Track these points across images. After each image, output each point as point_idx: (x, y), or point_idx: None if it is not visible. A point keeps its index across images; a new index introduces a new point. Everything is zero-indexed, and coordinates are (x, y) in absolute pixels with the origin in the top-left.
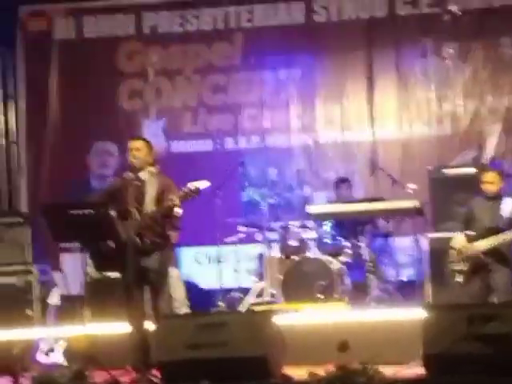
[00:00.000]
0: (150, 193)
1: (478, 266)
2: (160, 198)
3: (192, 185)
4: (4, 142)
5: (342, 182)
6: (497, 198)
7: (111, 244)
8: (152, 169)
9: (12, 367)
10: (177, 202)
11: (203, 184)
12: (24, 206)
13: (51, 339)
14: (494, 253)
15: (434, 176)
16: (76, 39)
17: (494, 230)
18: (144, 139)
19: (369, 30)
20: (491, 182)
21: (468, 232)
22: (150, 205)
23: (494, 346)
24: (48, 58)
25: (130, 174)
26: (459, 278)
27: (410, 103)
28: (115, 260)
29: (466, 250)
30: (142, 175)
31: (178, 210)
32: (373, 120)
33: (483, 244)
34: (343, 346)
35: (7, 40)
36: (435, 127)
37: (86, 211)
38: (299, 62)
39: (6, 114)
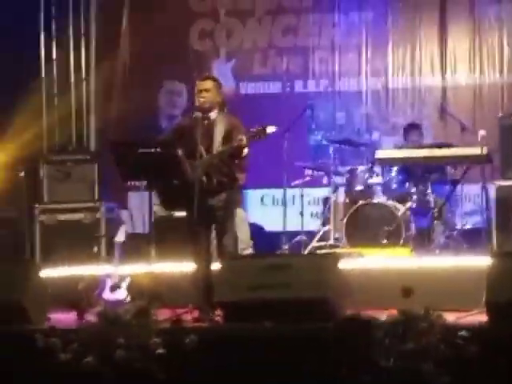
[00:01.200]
0: (219, 132)
1: None
2: (228, 138)
3: (261, 126)
4: (73, 78)
5: (413, 127)
6: None
7: (178, 183)
8: (220, 109)
9: (78, 303)
10: (244, 141)
11: (271, 128)
12: (93, 144)
13: (117, 276)
14: None
15: (503, 123)
16: None
17: None
18: (213, 79)
19: None
20: None
21: None
22: (218, 144)
23: None
24: None
25: (198, 114)
26: None
27: (483, 49)
28: (182, 198)
29: None
30: (211, 115)
31: (245, 150)
32: (444, 65)
33: None
34: (407, 292)
35: None
36: (507, 74)
37: (154, 150)
38: (371, 5)
39: (76, 50)
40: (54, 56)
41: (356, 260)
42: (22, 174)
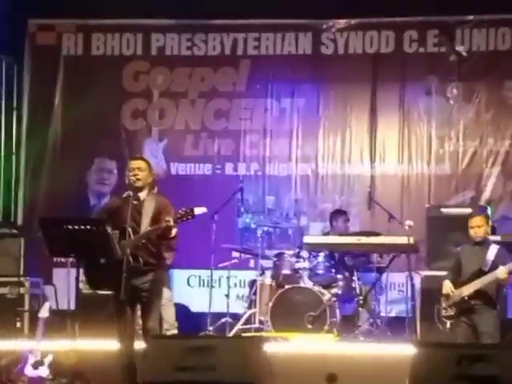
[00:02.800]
0: (147, 213)
1: (464, 310)
2: (157, 219)
3: (189, 208)
4: (3, 152)
5: (339, 214)
6: (484, 242)
7: (105, 261)
8: (150, 189)
9: None
10: (172, 223)
11: (199, 210)
12: (20, 218)
13: (39, 353)
14: (479, 295)
15: (431, 214)
16: (83, 56)
17: (479, 273)
18: (145, 159)
19: (375, 64)
20: (478, 225)
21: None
22: (146, 225)
23: None
24: (54, 72)
25: (128, 193)
26: (448, 324)
27: (411, 140)
28: (108, 278)
29: (452, 295)
30: (141, 195)
31: (173, 231)
32: (373, 154)
33: (468, 288)
34: (332, 378)
35: (15, 51)
36: (435, 166)
37: (83, 227)
38: (304, 91)
39: (7, 125)
40: None
41: (281, 344)
42: None
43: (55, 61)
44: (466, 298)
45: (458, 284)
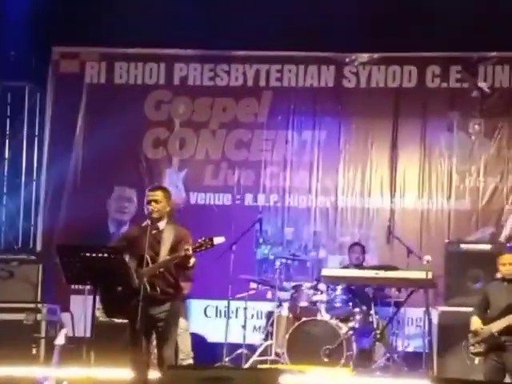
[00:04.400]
0: (166, 242)
1: (494, 346)
2: (175, 248)
3: (208, 237)
4: (23, 178)
5: (356, 246)
6: None
7: (122, 290)
8: (169, 218)
9: None
10: (190, 252)
11: (218, 239)
12: (38, 245)
13: (54, 379)
14: (509, 332)
15: (450, 249)
16: (106, 84)
17: (509, 309)
18: (163, 189)
19: (397, 99)
20: (509, 263)
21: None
22: (164, 254)
23: None
24: (77, 100)
25: (147, 222)
26: (476, 361)
27: (432, 175)
28: (125, 306)
29: (481, 331)
30: (160, 224)
31: (191, 261)
32: (393, 188)
33: (498, 324)
34: None
35: (38, 78)
36: (455, 201)
37: (101, 254)
38: (325, 124)
39: (28, 151)
40: (7, 155)
41: (297, 377)
42: None
43: (78, 89)
44: (496, 334)
45: (485, 321)
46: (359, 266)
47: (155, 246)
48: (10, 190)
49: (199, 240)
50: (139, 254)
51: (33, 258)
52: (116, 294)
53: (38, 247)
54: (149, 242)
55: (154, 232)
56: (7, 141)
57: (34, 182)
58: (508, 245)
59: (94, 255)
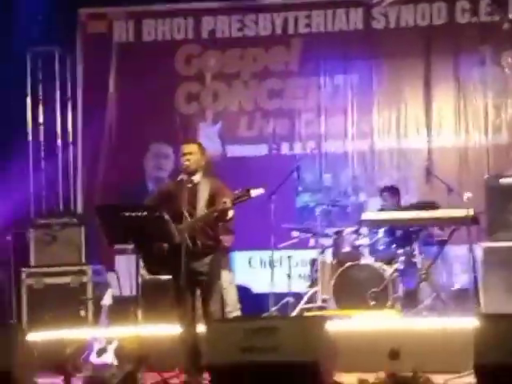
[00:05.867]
0: (203, 195)
1: None
2: (212, 201)
3: (245, 189)
4: (60, 142)
5: (387, 190)
6: None
7: (164, 246)
8: (205, 172)
9: (64, 367)
10: (228, 204)
11: (256, 191)
12: (79, 207)
13: (103, 340)
14: None
15: (490, 185)
16: (135, 42)
17: None
18: (197, 142)
19: (427, 37)
20: None
21: None
22: (202, 208)
23: None
24: (107, 60)
25: (183, 177)
26: None
27: (468, 111)
28: (167, 262)
29: None
30: (196, 178)
31: (230, 213)
32: (429, 127)
33: None
34: (394, 354)
35: (67, 41)
36: (492, 136)
37: (140, 213)
38: (357, 67)
39: (62, 115)
40: (41, 120)
41: (343, 322)
42: (9, 237)
43: (107, 48)
44: None
45: None
46: (400, 207)
47: (192, 199)
48: (47, 154)
49: (236, 192)
50: (176, 210)
51: (75, 220)
52: (158, 251)
53: (79, 209)
54: (185, 196)
55: (189, 186)
56: (41, 106)
57: (71, 145)
58: None
59: (133, 214)
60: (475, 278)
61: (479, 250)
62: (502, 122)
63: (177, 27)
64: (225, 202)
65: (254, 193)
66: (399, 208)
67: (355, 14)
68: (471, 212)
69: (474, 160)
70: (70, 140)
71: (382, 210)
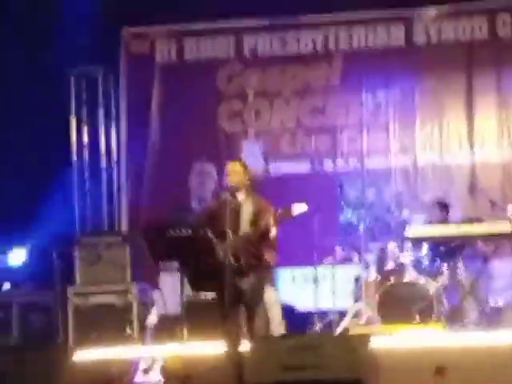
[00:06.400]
0: (246, 214)
1: None
2: (256, 219)
3: (287, 207)
4: (105, 162)
5: (438, 205)
6: None
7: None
8: (248, 190)
9: None
10: (271, 222)
11: (301, 208)
12: (124, 226)
13: (149, 358)
14: None
15: None
16: (177, 61)
17: None
18: (240, 161)
19: (469, 51)
20: None
21: None
22: (245, 226)
23: None
24: (149, 79)
25: (227, 195)
26: None
27: (510, 125)
28: (212, 280)
29: None
30: (239, 196)
31: (273, 231)
32: (472, 142)
33: None
34: (441, 371)
35: (110, 60)
36: None
37: (185, 232)
38: (398, 83)
39: (107, 135)
40: (86, 140)
41: (388, 339)
42: (55, 256)
43: (150, 68)
44: None
45: None
46: (443, 222)
47: (235, 218)
48: (92, 175)
49: (279, 211)
50: (220, 228)
51: (119, 239)
52: (202, 269)
53: (124, 229)
54: (229, 214)
55: (233, 205)
56: (85, 127)
57: (115, 165)
58: None
59: (178, 234)
60: None
61: None
62: None
63: (218, 45)
64: (267, 221)
65: (297, 211)
66: (445, 223)
67: (396, 30)
68: None
69: None
70: (115, 160)
71: (429, 224)
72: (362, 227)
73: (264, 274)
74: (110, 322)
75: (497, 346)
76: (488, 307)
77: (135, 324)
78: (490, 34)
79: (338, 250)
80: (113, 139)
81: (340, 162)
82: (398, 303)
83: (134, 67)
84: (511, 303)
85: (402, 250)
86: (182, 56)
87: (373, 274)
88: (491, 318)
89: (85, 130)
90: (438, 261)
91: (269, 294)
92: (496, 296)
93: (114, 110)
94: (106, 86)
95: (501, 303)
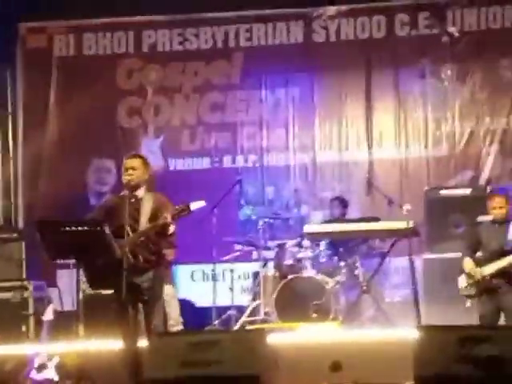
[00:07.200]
0: (145, 211)
1: (487, 289)
2: (155, 216)
3: (185, 204)
4: (0, 156)
5: (336, 200)
6: (504, 221)
7: (105, 261)
8: (148, 187)
9: (6, 383)
10: (169, 219)
11: (197, 204)
12: (20, 221)
13: (45, 355)
14: (503, 275)
15: (430, 197)
16: (75, 56)
17: (501, 253)
18: (140, 157)
19: (367, 50)
20: (500, 206)
21: (476, 256)
22: (144, 223)
23: (484, 369)
24: (47, 74)
25: (125, 192)
26: (469, 303)
27: (408, 124)
28: (109, 277)
29: (474, 274)
30: (138, 193)
31: (171, 228)
32: (370, 140)
33: (490, 267)
34: (336, 366)
35: (7, 55)
36: (432, 148)
37: (81, 228)
38: (298, 81)
39: (3, 128)
40: None
41: (286, 335)
42: None
43: (48, 63)
44: (488, 277)
45: (476, 262)
46: (341, 220)
47: (135, 214)
48: None
49: (176, 207)
50: (119, 224)
51: (15, 235)
52: (99, 266)
53: (20, 224)
54: (128, 211)
55: (132, 201)
56: None
57: (11, 160)
58: (499, 187)
59: (74, 229)
60: (415, 290)
61: (419, 261)
62: (441, 134)
63: (117, 41)
64: (165, 217)
65: (194, 206)
66: (342, 220)
67: (295, 28)
68: (411, 224)
69: (414, 172)
70: (11, 154)
71: (327, 221)
72: (261, 224)
73: (163, 270)
74: (5, 319)
75: (392, 342)
76: (384, 304)
77: (31, 321)
78: (388, 33)
79: (237, 246)
80: (9, 133)
81: (239, 158)
82: (295, 300)
83: (32, 62)
84: (407, 299)
85: (300, 247)
86: (81, 51)
87: (271, 271)
88: (387, 314)
89: None
90: (336, 258)
91: (167, 291)
92: (392, 292)
93: (10, 105)
94: (2, 80)
95: (397, 299)
